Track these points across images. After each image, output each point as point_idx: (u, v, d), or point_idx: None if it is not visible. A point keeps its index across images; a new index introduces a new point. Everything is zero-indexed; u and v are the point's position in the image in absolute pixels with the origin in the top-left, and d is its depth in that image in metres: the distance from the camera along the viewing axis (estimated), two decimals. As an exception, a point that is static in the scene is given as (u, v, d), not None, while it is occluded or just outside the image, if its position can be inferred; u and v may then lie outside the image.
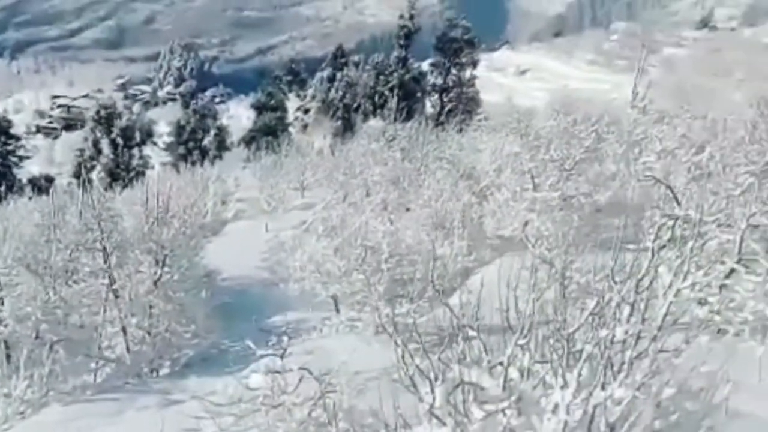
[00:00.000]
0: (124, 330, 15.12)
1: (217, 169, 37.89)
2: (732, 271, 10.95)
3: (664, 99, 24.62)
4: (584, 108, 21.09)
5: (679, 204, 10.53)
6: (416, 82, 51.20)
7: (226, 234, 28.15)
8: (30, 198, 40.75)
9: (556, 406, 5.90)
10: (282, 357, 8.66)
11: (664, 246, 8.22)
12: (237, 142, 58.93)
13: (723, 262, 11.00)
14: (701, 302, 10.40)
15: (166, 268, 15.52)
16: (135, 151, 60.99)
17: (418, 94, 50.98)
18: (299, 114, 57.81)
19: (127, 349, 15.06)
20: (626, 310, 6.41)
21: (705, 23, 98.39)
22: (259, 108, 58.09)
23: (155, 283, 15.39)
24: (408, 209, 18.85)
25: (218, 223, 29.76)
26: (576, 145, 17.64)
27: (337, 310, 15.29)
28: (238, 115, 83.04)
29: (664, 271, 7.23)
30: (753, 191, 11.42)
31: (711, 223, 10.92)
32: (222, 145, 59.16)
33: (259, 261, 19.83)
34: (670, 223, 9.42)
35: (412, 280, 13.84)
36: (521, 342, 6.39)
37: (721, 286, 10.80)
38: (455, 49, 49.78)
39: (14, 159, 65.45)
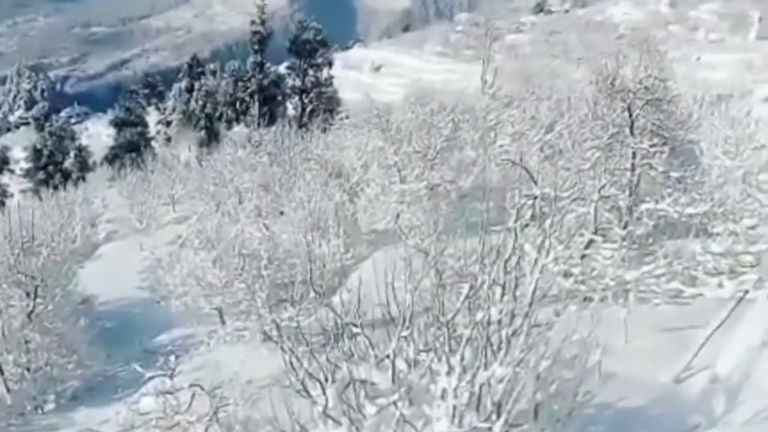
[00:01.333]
0: (0, 369, 14.28)
1: (81, 192, 36.37)
2: (590, 241, 11.51)
3: (511, 83, 25.51)
4: (439, 99, 21.56)
5: (535, 183, 10.92)
6: (275, 85, 50.79)
7: (100, 257, 27.08)
8: None
9: (444, 391, 6.07)
10: (171, 376, 8.46)
11: (526, 225, 8.58)
12: (100, 162, 56.59)
13: (581, 234, 11.55)
14: (566, 274, 10.89)
15: (38, 300, 14.80)
16: (-9, 180, 57.57)
17: (279, 98, 50.61)
18: (161, 127, 56.20)
19: (7, 388, 14.23)
20: (498, 290, 6.61)
21: (541, 8, 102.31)
22: (119, 124, 56.03)
23: (29, 315, 14.64)
24: (282, 213, 18.74)
25: (90, 247, 28.55)
26: (435, 135, 18.07)
27: (223, 322, 15.05)
28: (97, 133, 79.70)
29: (528, 248, 7.48)
30: (601, 164, 12.06)
31: (566, 198, 11.41)
32: (84, 166, 56.63)
33: (138, 281, 19.21)
34: (530, 202, 9.84)
35: (294, 284, 13.74)
36: (404, 333, 6.52)
37: (582, 257, 11.34)
38: (309, 50, 49.71)
39: None
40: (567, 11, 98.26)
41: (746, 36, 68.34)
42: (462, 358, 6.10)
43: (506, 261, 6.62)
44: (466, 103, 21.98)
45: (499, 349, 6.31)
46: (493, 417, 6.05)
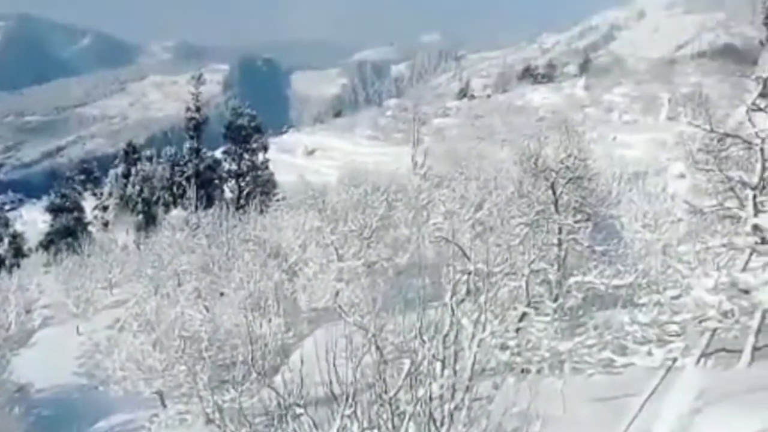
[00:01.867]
0: (-70, 464, 13.46)
1: (16, 278, 35.07)
2: (524, 314, 11.63)
3: (441, 164, 26.08)
4: (372, 180, 21.86)
5: (468, 259, 11.06)
6: (212, 170, 50.62)
7: (35, 344, 25.98)
8: None
9: (391, 468, 5.95)
10: (112, 465, 8.07)
11: (462, 300, 8.62)
12: (35, 248, 54.93)
13: (515, 308, 11.67)
14: (502, 347, 10.92)
15: (-28, 390, 14.10)
16: None
17: (216, 181, 50.34)
18: (98, 212, 55.07)
19: (-64, 485, 13.40)
20: (438, 365, 6.59)
21: (464, 93, 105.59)
22: (55, 210, 54.71)
23: (-39, 407, 13.91)
24: (222, 294, 18.43)
25: (24, 334, 27.39)
26: (370, 214, 18.22)
27: (164, 405, 14.56)
28: (32, 219, 77.68)
29: (465, 323, 7.51)
30: (529, 240, 12.30)
31: (499, 273, 11.57)
32: (19, 252, 54.86)
33: (75, 366, 18.49)
34: (464, 277, 9.92)
35: (235, 364, 13.45)
36: (347, 412, 6.40)
37: (517, 330, 11.42)
38: (244, 135, 49.88)
39: None
40: (489, 96, 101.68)
41: (657, 116, 71.72)
42: (406, 435, 6.01)
43: (445, 336, 6.64)
44: (399, 183, 22.31)
45: (442, 424, 6.26)
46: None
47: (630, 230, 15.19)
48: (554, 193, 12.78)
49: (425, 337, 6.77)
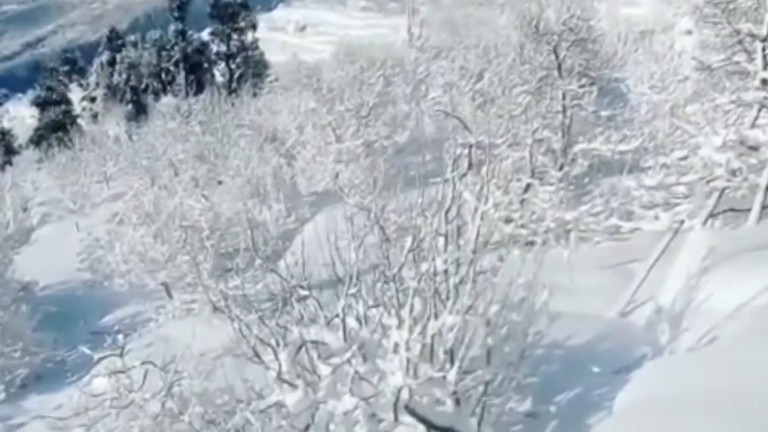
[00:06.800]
0: (-56, 363, 13.91)
1: (9, 176, 35.13)
2: (528, 186, 11.66)
3: (438, 34, 25.45)
4: (368, 54, 21.39)
5: (470, 132, 10.98)
6: (200, 53, 49.63)
7: (35, 241, 26.33)
8: None
9: (396, 345, 6.10)
10: (122, 355, 8.31)
11: (464, 174, 8.62)
12: (25, 144, 54.77)
13: (519, 179, 11.69)
14: (507, 220, 11.03)
15: (-25, 291, 14.40)
16: None
17: (205, 65, 49.48)
18: (86, 104, 54.46)
19: (-48, 383, 13.89)
20: (441, 240, 6.64)
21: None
22: (42, 104, 54.14)
23: (-33, 307, 14.26)
24: (220, 182, 18.47)
25: (24, 232, 27.70)
26: (367, 91, 17.98)
27: (170, 296, 14.86)
28: (19, 115, 77.04)
29: (468, 197, 7.54)
30: (532, 109, 12.18)
31: (501, 144, 11.54)
32: (9, 150, 54.75)
33: (77, 262, 18.73)
34: (466, 151, 9.88)
35: (238, 252, 13.67)
36: (352, 291, 6.50)
37: (522, 202, 11.49)
38: (231, 14, 48.56)
39: None
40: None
41: (664, -30, 69.32)
42: (411, 311, 6.13)
43: (447, 211, 6.65)
44: (396, 56, 21.86)
45: (448, 298, 6.37)
46: (447, 366, 6.12)
47: (636, 93, 14.99)
48: (557, 57, 12.55)
49: (427, 213, 6.80)
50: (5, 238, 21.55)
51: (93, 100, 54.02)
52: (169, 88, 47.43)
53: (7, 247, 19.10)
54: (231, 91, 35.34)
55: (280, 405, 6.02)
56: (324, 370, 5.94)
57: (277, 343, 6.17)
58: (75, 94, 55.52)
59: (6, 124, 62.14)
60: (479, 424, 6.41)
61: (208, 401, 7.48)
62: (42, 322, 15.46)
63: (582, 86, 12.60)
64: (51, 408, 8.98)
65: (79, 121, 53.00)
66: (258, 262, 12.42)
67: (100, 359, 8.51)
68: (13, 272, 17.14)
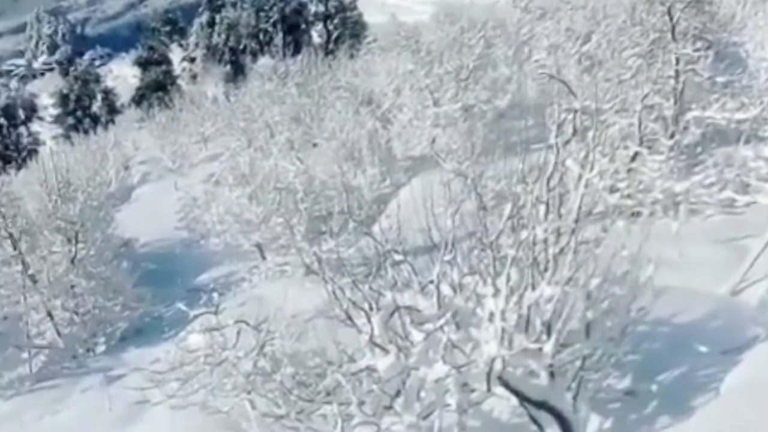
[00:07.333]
0: (50, 314, 14.71)
1: (112, 135, 36.59)
2: (636, 154, 11.29)
3: (544, -6, 24.75)
4: (468, 15, 21.03)
5: (575, 96, 10.66)
6: (298, 13, 50.11)
7: (136, 199, 27.41)
8: None
9: (492, 314, 6.06)
10: (216, 313, 8.57)
11: (568, 140, 8.40)
12: (127, 103, 56.83)
13: (626, 147, 11.32)
14: (612, 189, 10.73)
15: (80, 245, 15.12)
16: (22, 129, 58.33)
17: (303, 26, 49.98)
18: (185, 64, 56.01)
19: (58, 332, 14.69)
20: (542, 208, 6.52)
21: None
22: (143, 64, 55.97)
23: (72, 261, 14.99)
24: (315, 145, 18.66)
25: (125, 190, 28.90)
26: (467, 53, 17.69)
27: (263, 258, 15.21)
28: (122, 75, 79.73)
29: (571, 164, 7.35)
30: (643, 73, 11.74)
31: (608, 110, 11.19)
32: (112, 109, 56.93)
33: (175, 221, 19.40)
34: (570, 116, 9.63)
35: (332, 215, 13.82)
36: (447, 258, 6.48)
37: (628, 171, 11.14)
38: (330, -26, 48.89)
39: None
40: None
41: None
42: (508, 280, 6.07)
43: (548, 178, 6.51)
44: (497, 17, 21.40)
45: (546, 268, 6.27)
46: (543, 337, 6.05)
47: (755, 58, 14.21)
48: (671, 19, 12.01)
49: (528, 180, 6.68)
50: (107, 196, 22.54)
51: (192, 60, 55.49)
52: (266, 49, 48.15)
53: (108, 205, 19.98)
54: (328, 53, 35.60)
55: (371, 369, 6.10)
56: (417, 336, 5.97)
57: (370, 307, 6.22)
58: (175, 54, 57.17)
59: (109, 83, 64.59)
60: (574, 399, 6.33)
61: (299, 362, 7.63)
62: (141, 278, 16.14)
63: (697, 50, 12.04)
64: (148, 361, 9.36)
65: (179, 81, 54.60)
66: (352, 225, 12.55)
67: (196, 316, 8.79)
68: (115, 229, 17.93)
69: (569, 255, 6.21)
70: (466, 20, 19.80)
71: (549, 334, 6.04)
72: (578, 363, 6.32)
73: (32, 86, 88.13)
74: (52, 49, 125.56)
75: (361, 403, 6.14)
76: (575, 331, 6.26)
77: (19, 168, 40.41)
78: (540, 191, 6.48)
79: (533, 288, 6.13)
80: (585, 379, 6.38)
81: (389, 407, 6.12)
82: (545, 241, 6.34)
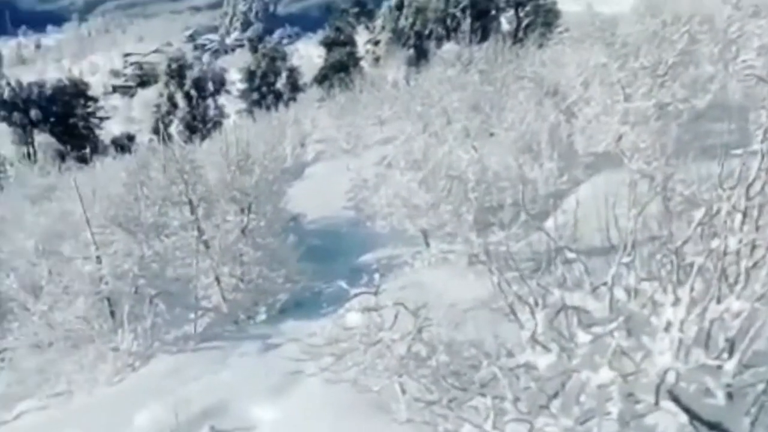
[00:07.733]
0: (217, 279, 15.53)
1: (292, 112, 38.10)
2: None
3: (760, -9, 23.17)
4: (673, 8, 20.07)
5: (786, 100, 9.94)
6: None
7: (308, 177, 28.39)
8: (114, 158, 42.20)
9: (669, 323, 5.71)
10: (376, 294, 8.66)
11: (775, 147, 7.80)
12: (309, 83, 58.99)
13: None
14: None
15: (252, 216, 15.84)
16: (209, 101, 62.06)
17: (492, 12, 49.68)
18: (369, 47, 57.35)
19: (223, 297, 15.48)
20: (738, 218, 6.10)
21: None
22: (329, 45, 57.87)
23: (243, 231, 15.72)
24: (492, 134, 18.48)
25: (299, 167, 30.03)
26: (668, 48, 16.84)
27: (427, 244, 15.27)
28: (308, 54, 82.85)
29: (776, 173, 6.81)
30: None
31: (823, 117, 10.29)
32: (295, 87, 59.36)
33: (344, 201, 19.89)
34: (778, 121, 8.94)
35: (503, 207, 13.64)
36: (625, 260, 6.18)
37: None
38: (524, -42, 48.22)
39: (95, 120, 67.67)
40: None
41: None
42: (692, 289, 5.70)
43: (749, 186, 6.08)
44: (705, 13, 20.25)
45: (737, 282, 5.84)
46: (725, 355, 5.64)
47: None
48: None
49: (725, 186, 6.27)
50: (282, 171, 23.49)
51: (377, 43, 56.69)
52: (452, 34, 48.34)
53: (282, 180, 20.80)
54: (516, 41, 35.20)
55: (530, 366, 5.92)
56: (583, 338, 5.73)
57: (536, 303, 6.05)
58: (361, 36, 58.69)
59: (295, 62, 67.28)
60: (752, 425, 5.86)
61: (454, 352, 7.56)
62: (306, 253, 16.66)
63: None
64: (305, 334, 9.60)
65: (362, 63, 55.98)
66: (523, 219, 12.30)
67: (355, 295, 8.92)
68: (286, 203, 18.65)
69: (764, 270, 5.75)
70: (670, 13, 18.91)
71: (732, 352, 5.61)
72: (761, 386, 5.85)
73: (223, 61, 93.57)
74: (245, 26, 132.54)
75: (516, 400, 5.98)
76: (761, 353, 5.79)
77: (203, 138, 43.08)
78: (738, 199, 6.04)
79: (719, 301, 5.72)
80: (767, 404, 5.91)
81: (545, 407, 5.93)
82: (738, 252, 5.91)
